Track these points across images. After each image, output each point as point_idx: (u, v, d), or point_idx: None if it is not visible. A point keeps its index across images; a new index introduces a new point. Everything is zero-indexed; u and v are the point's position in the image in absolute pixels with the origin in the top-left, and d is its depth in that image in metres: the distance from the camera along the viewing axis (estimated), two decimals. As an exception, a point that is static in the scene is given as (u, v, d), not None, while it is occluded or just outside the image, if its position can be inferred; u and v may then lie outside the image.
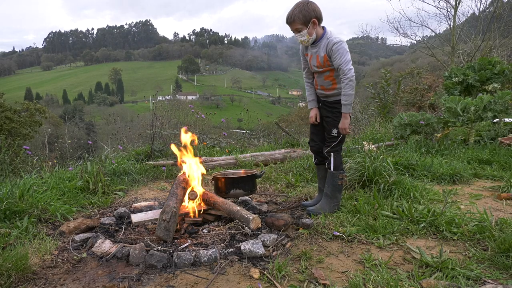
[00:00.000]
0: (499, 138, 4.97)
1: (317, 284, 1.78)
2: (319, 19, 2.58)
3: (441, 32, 14.65)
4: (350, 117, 2.69)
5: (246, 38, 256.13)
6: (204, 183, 3.19)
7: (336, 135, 2.73)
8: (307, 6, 2.52)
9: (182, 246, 2.22)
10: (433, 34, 14.04)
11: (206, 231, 2.51)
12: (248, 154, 5.17)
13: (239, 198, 3.22)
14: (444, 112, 5.34)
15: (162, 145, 5.44)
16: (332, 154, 2.75)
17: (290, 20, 2.57)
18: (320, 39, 2.62)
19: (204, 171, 2.98)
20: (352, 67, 2.57)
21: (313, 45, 2.68)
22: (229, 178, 2.87)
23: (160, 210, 2.77)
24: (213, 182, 2.96)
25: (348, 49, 2.58)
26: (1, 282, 1.78)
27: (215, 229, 2.53)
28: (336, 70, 2.61)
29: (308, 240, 2.31)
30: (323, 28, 2.64)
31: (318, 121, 2.90)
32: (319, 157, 2.93)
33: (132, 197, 3.60)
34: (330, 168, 2.77)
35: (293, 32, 2.64)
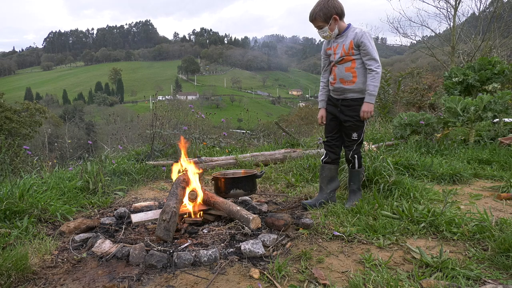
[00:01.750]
0: (499, 138, 4.97)
1: (317, 284, 1.78)
2: (340, 15, 2.62)
3: (441, 32, 14.66)
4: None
5: (246, 38, 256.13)
6: (204, 183, 3.20)
7: (356, 138, 2.79)
8: (328, 4, 2.57)
9: (182, 246, 2.22)
10: (433, 34, 14.06)
11: (206, 231, 2.51)
12: (248, 154, 5.17)
13: (239, 198, 3.22)
14: (444, 112, 5.34)
15: (162, 145, 5.44)
16: (356, 156, 2.84)
17: (312, 18, 2.64)
18: (345, 31, 2.67)
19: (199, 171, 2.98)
20: (376, 57, 2.61)
21: (337, 37, 2.71)
22: (229, 178, 2.86)
23: (160, 210, 2.77)
24: (213, 182, 2.95)
25: (373, 41, 2.63)
26: (1, 282, 1.78)
27: (215, 229, 2.53)
28: (364, 59, 2.63)
29: (308, 240, 2.31)
30: (348, 24, 2.70)
31: (325, 122, 2.94)
32: (332, 156, 2.92)
33: (132, 197, 3.60)
34: (355, 168, 2.88)
35: (316, 28, 2.69)
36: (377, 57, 2.61)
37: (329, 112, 2.92)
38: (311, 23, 2.70)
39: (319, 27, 2.65)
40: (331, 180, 2.96)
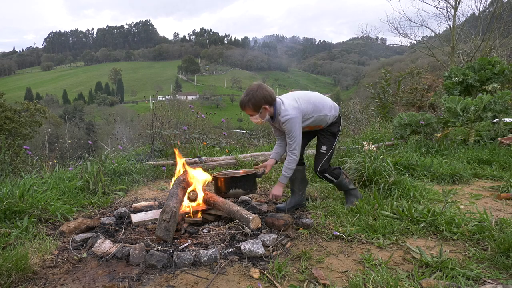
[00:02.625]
0: (499, 138, 4.97)
1: (317, 284, 1.78)
2: (270, 103, 2.63)
3: (441, 32, 14.65)
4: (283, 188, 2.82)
5: (246, 38, 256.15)
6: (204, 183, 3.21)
7: (324, 152, 2.86)
8: (256, 94, 2.58)
9: (182, 246, 2.22)
10: (433, 34, 14.04)
11: (206, 231, 2.52)
12: (248, 154, 5.17)
13: (239, 198, 3.22)
14: (444, 112, 5.34)
15: (162, 145, 5.44)
16: (325, 174, 2.87)
17: (242, 107, 2.66)
18: (274, 114, 2.70)
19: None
20: (294, 142, 2.65)
21: (273, 121, 2.76)
22: (228, 178, 2.86)
23: (160, 210, 2.77)
24: (213, 182, 2.95)
25: (297, 123, 2.64)
26: (1, 282, 1.78)
27: (215, 229, 2.53)
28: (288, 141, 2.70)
29: (308, 240, 2.31)
30: (274, 105, 2.67)
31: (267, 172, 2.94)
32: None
33: (132, 197, 3.60)
34: (332, 182, 2.91)
35: (248, 115, 2.73)
36: (294, 144, 2.65)
37: None
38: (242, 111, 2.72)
39: (250, 115, 2.70)
40: (302, 181, 3.04)
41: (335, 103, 2.92)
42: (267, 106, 2.62)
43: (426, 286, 1.67)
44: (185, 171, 2.88)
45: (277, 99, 2.69)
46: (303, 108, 2.68)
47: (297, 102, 2.70)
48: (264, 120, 2.71)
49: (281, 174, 2.77)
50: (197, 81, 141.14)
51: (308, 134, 2.97)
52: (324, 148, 2.86)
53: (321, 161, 2.84)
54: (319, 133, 2.91)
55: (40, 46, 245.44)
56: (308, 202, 3.05)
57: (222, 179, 2.83)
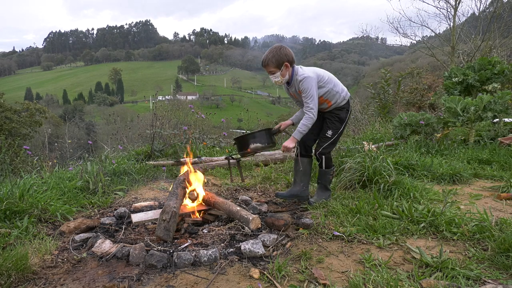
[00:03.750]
0: (499, 138, 4.97)
1: (317, 284, 1.78)
2: (291, 62, 2.80)
3: (441, 32, 14.64)
4: (296, 143, 2.91)
5: (246, 38, 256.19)
6: (204, 183, 3.21)
7: (329, 136, 2.95)
8: (280, 51, 2.76)
9: (182, 246, 2.22)
10: (433, 34, 14.04)
11: (206, 231, 2.52)
12: (248, 154, 5.17)
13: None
14: (444, 112, 5.34)
15: (162, 145, 5.44)
16: (323, 156, 2.96)
17: (265, 64, 2.80)
18: (292, 79, 2.86)
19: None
20: (313, 99, 2.76)
21: (289, 85, 2.92)
22: (246, 135, 3.00)
23: (160, 210, 2.78)
24: (234, 144, 3.02)
25: (314, 83, 2.77)
26: (1, 282, 1.78)
27: (215, 229, 2.53)
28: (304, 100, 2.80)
29: (308, 240, 2.31)
30: (293, 67, 2.85)
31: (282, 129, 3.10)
32: (304, 150, 3.11)
33: (132, 197, 3.60)
34: (322, 167, 3.00)
35: (268, 74, 2.86)
36: (312, 102, 2.75)
37: None
38: (263, 68, 2.85)
39: (271, 72, 2.81)
40: (305, 174, 3.13)
41: (346, 89, 3.05)
42: (288, 64, 2.77)
43: (426, 286, 1.67)
44: (186, 172, 2.89)
45: (295, 66, 2.85)
46: (319, 74, 2.86)
47: (313, 69, 2.90)
48: (284, 80, 2.83)
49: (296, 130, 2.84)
50: (197, 81, 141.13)
51: (318, 120, 2.96)
52: (329, 132, 2.94)
53: (324, 144, 2.94)
54: (327, 117, 2.99)
55: (40, 46, 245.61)
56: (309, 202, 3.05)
57: (242, 137, 2.99)
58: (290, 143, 2.84)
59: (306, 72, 2.79)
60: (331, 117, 2.95)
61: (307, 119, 2.77)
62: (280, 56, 2.74)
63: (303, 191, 3.11)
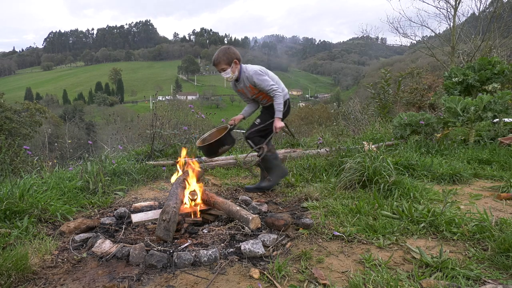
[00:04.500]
0: (499, 138, 4.97)
1: (317, 284, 1.78)
2: (239, 60, 3.16)
3: (441, 32, 14.65)
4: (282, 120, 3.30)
5: (246, 38, 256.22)
6: (204, 183, 3.22)
7: (257, 124, 3.39)
8: (229, 50, 3.12)
9: (182, 246, 2.22)
10: (433, 34, 14.05)
11: (206, 231, 2.52)
12: (250, 154, 5.16)
13: (241, 198, 3.22)
14: (444, 112, 5.34)
15: (162, 145, 5.44)
16: (249, 140, 3.40)
17: (216, 62, 3.10)
18: (240, 75, 3.21)
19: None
20: (273, 84, 3.18)
21: (238, 81, 3.26)
22: (215, 141, 3.20)
23: (160, 210, 2.77)
24: (200, 150, 3.15)
25: (263, 72, 3.21)
26: (1, 282, 1.78)
27: (215, 229, 2.53)
28: (266, 92, 3.25)
29: (308, 240, 2.31)
30: (241, 65, 3.23)
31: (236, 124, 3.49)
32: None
33: (132, 197, 3.60)
34: (253, 148, 3.46)
35: (219, 71, 3.16)
36: (270, 85, 3.16)
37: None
38: (215, 67, 3.15)
39: (222, 70, 3.12)
40: (264, 170, 3.57)
41: (287, 90, 3.46)
42: (237, 61, 3.11)
43: (426, 286, 1.67)
44: (185, 172, 2.89)
45: (242, 64, 3.22)
46: (266, 70, 3.27)
47: (260, 67, 3.28)
48: (234, 76, 3.15)
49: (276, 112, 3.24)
50: (197, 81, 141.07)
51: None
52: (258, 120, 3.39)
53: (251, 129, 3.37)
54: (263, 110, 3.43)
55: (40, 46, 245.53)
56: (308, 202, 3.05)
57: (212, 144, 3.20)
58: (278, 122, 3.23)
59: (254, 67, 3.19)
60: (266, 111, 3.38)
61: (278, 98, 3.18)
62: (229, 54, 3.06)
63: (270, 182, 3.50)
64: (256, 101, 3.48)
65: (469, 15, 13.69)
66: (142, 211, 2.97)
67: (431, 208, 2.55)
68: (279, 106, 3.20)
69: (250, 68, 3.17)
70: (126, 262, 2.05)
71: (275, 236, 2.28)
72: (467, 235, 2.22)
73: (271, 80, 3.20)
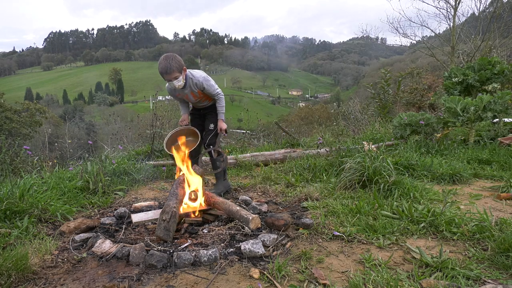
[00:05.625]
0: (499, 138, 4.97)
1: (317, 284, 1.78)
2: (185, 67, 3.21)
3: (441, 32, 14.65)
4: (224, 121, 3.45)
5: (246, 38, 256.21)
6: (204, 183, 3.22)
7: (212, 128, 3.48)
8: (177, 58, 3.13)
9: (182, 246, 2.22)
10: (433, 34, 14.04)
11: (206, 231, 2.52)
12: (248, 154, 5.17)
13: (241, 198, 3.22)
14: (444, 112, 5.34)
15: (162, 145, 5.44)
16: (211, 146, 3.43)
17: (169, 71, 3.08)
18: (186, 81, 3.25)
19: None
20: (218, 88, 3.41)
21: (184, 87, 3.27)
22: (193, 150, 3.21)
23: (160, 210, 2.78)
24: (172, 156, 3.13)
25: (208, 77, 3.37)
26: (1, 282, 1.78)
27: (215, 229, 2.53)
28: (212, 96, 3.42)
29: (308, 240, 2.31)
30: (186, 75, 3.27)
31: (188, 123, 3.60)
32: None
33: (132, 197, 3.60)
34: (212, 156, 3.51)
35: (171, 80, 3.13)
36: (217, 90, 3.37)
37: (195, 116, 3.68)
38: (164, 76, 3.12)
39: (175, 78, 3.12)
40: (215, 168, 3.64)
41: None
42: (185, 68, 3.18)
43: (426, 286, 1.67)
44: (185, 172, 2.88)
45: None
46: (207, 75, 3.41)
47: (200, 72, 3.39)
48: (183, 84, 3.19)
49: (220, 114, 3.45)
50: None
51: (200, 119, 3.63)
52: (212, 125, 3.48)
53: (209, 136, 3.45)
54: (208, 113, 3.54)
55: (40, 46, 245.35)
56: (308, 202, 3.05)
57: (188, 152, 3.13)
58: (223, 123, 3.42)
59: (201, 72, 3.34)
60: (212, 112, 3.51)
61: (222, 100, 3.42)
62: (180, 62, 3.11)
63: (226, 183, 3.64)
64: (187, 102, 3.63)
65: (469, 15, 13.70)
66: (142, 211, 2.97)
67: (431, 208, 2.55)
68: (222, 109, 3.41)
69: (198, 75, 3.28)
70: (126, 262, 2.05)
71: (275, 236, 2.29)
72: (467, 235, 2.22)
73: (215, 84, 3.39)
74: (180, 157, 2.93)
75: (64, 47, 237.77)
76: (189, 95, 3.36)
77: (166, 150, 3.35)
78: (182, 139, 3.24)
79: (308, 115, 22.89)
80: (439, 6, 16.52)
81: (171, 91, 3.44)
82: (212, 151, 3.42)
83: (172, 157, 3.13)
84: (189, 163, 2.94)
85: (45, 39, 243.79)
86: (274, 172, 4.32)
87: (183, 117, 3.62)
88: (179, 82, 3.15)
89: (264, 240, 2.21)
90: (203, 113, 3.62)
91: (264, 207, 3.01)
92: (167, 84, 3.26)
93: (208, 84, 3.30)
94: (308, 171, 4.16)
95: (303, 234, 2.39)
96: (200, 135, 3.41)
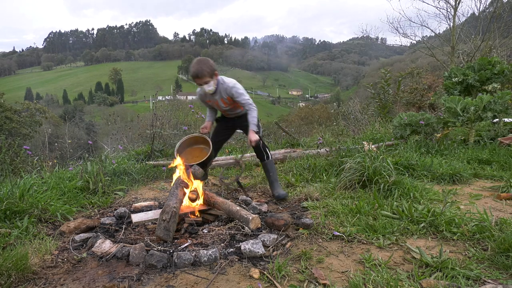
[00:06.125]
0: (498, 138, 4.97)
1: (317, 284, 1.78)
2: (217, 71, 3.13)
3: (441, 32, 14.64)
4: (258, 133, 3.25)
5: (246, 38, 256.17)
6: (204, 183, 3.23)
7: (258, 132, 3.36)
8: (209, 62, 3.07)
9: (182, 246, 2.22)
10: (433, 34, 14.04)
11: (206, 231, 2.52)
12: (248, 154, 5.17)
13: (239, 197, 3.22)
14: (444, 112, 5.34)
15: (162, 145, 5.44)
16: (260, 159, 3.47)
17: (200, 75, 3.01)
18: (217, 87, 3.18)
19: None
20: (249, 99, 3.22)
21: (214, 93, 3.21)
22: (206, 159, 3.15)
23: (160, 210, 2.78)
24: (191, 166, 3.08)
25: (239, 85, 3.23)
26: (1, 282, 1.78)
27: (215, 229, 2.53)
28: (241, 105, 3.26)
29: (308, 240, 2.31)
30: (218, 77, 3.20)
31: (209, 131, 3.51)
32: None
33: (132, 197, 3.60)
34: (267, 159, 3.48)
35: (202, 84, 3.08)
36: (246, 98, 3.20)
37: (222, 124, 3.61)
38: (195, 80, 3.06)
39: (205, 82, 3.06)
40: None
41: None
42: (217, 73, 3.10)
43: (426, 286, 1.67)
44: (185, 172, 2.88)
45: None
46: (237, 84, 3.27)
47: (234, 80, 3.27)
48: (214, 89, 3.13)
49: (251, 124, 3.22)
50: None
51: (227, 129, 3.59)
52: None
53: (258, 152, 3.44)
54: (243, 123, 3.35)
55: (40, 46, 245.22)
56: (308, 202, 3.05)
57: (202, 161, 3.12)
58: (254, 135, 3.19)
59: (232, 79, 3.22)
60: (246, 122, 3.30)
61: (254, 111, 3.21)
62: (211, 67, 3.03)
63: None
64: (215, 110, 3.56)
65: (469, 15, 13.70)
66: (142, 211, 2.97)
67: (431, 208, 2.55)
68: (254, 120, 3.21)
69: (229, 80, 3.19)
70: (126, 262, 2.05)
71: (275, 236, 2.29)
72: (467, 235, 2.22)
73: (246, 93, 3.26)
74: (182, 165, 2.94)
75: (64, 47, 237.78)
76: (219, 101, 3.29)
77: (176, 154, 3.26)
78: (194, 149, 3.28)
79: (308, 115, 22.88)
80: (439, 6, 16.54)
81: (201, 96, 3.39)
82: (261, 163, 3.45)
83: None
84: (184, 168, 2.91)
85: (45, 39, 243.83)
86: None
87: (206, 124, 3.50)
88: (210, 87, 3.09)
89: (264, 240, 2.21)
90: (233, 124, 3.54)
91: (264, 207, 3.01)
92: (198, 88, 3.22)
93: (237, 92, 3.17)
94: (308, 171, 4.16)
95: (303, 234, 2.39)
96: (213, 148, 3.27)
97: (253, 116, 3.21)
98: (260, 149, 3.43)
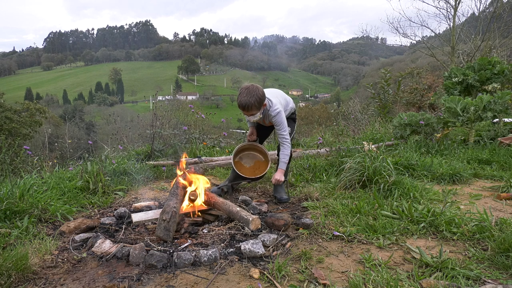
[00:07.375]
0: (498, 138, 4.97)
1: (317, 284, 1.78)
2: (265, 100, 2.99)
3: (441, 32, 14.64)
4: (286, 174, 3.24)
5: (246, 38, 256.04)
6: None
7: (290, 132, 3.32)
8: (258, 92, 2.86)
9: (182, 246, 2.22)
10: (433, 34, 14.04)
11: (206, 231, 2.52)
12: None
13: (240, 198, 3.22)
14: (444, 112, 5.34)
15: (162, 145, 5.44)
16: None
17: (249, 108, 2.88)
18: (264, 112, 3.12)
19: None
20: (287, 134, 3.14)
21: (263, 117, 3.19)
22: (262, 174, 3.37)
23: (160, 210, 2.78)
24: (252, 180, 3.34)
25: (284, 115, 3.14)
26: (1, 282, 1.78)
27: (215, 229, 2.53)
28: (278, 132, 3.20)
29: (308, 240, 2.31)
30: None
31: (256, 138, 3.55)
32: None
33: (132, 197, 3.60)
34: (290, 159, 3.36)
35: (247, 115, 3.01)
36: (285, 132, 3.12)
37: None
38: (242, 111, 2.97)
39: (252, 114, 2.97)
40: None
41: (292, 100, 3.52)
42: (266, 103, 3.00)
43: (426, 286, 1.67)
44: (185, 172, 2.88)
45: None
46: (282, 104, 3.25)
47: (278, 99, 3.21)
48: (258, 118, 3.04)
49: (280, 161, 3.17)
50: (197, 81, 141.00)
51: (266, 129, 3.60)
52: (289, 129, 3.27)
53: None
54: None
55: (40, 46, 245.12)
56: (308, 202, 3.05)
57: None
58: (280, 175, 3.12)
59: (277, 105, 3.09)
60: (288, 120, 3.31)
61: (286, 149, 3.12)
62: (260, 98, 2.87)
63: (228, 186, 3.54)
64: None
65: (469, 15, 13.70)
66: (142, 211, 2.97)
67: (431, 208, 2.55)
68: (285, 158, 3.12)
69: (274, 108, 3.07)
70: (126, 262, 2.05)
71: (275, 236, 2.29)
72: (467, 235, 2.22)
73: (286, 123, 3.15)
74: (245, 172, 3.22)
75: (64, 47, 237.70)
76: (261, 121, 3.33)
77: (232, 163, 3.48)
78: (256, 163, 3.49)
79: (308, 115, 22.89)
80: (439, 6, 16.53)
81: (247, 116, 3.25)
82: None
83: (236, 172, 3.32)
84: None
85: (45, 39, 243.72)
86: (274, 172, 4.32)
87: (251, 130, 3.52)
88: (255, 118, 3.02)
89: (264, 240, 2.21)
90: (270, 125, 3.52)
91: (264, 207, 3.01)
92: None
93: (278, 120, 3.08)
94: (308, 171, 4.16)
95: (303, 234, 2.39)
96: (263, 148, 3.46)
97: (285, 154, 3.12)
98: (280, 187, 3.32)
